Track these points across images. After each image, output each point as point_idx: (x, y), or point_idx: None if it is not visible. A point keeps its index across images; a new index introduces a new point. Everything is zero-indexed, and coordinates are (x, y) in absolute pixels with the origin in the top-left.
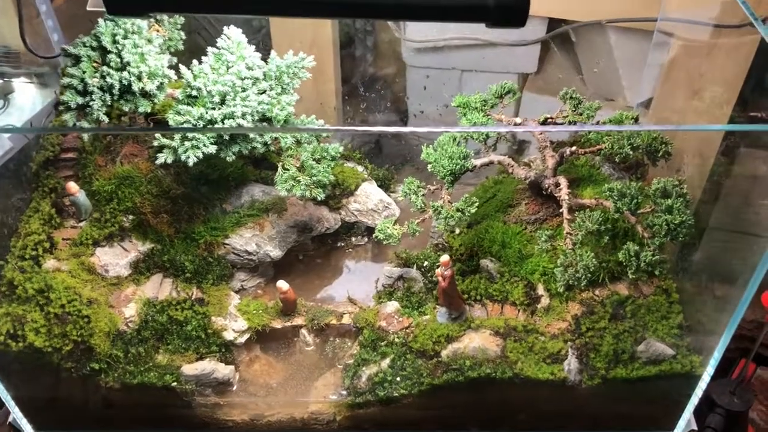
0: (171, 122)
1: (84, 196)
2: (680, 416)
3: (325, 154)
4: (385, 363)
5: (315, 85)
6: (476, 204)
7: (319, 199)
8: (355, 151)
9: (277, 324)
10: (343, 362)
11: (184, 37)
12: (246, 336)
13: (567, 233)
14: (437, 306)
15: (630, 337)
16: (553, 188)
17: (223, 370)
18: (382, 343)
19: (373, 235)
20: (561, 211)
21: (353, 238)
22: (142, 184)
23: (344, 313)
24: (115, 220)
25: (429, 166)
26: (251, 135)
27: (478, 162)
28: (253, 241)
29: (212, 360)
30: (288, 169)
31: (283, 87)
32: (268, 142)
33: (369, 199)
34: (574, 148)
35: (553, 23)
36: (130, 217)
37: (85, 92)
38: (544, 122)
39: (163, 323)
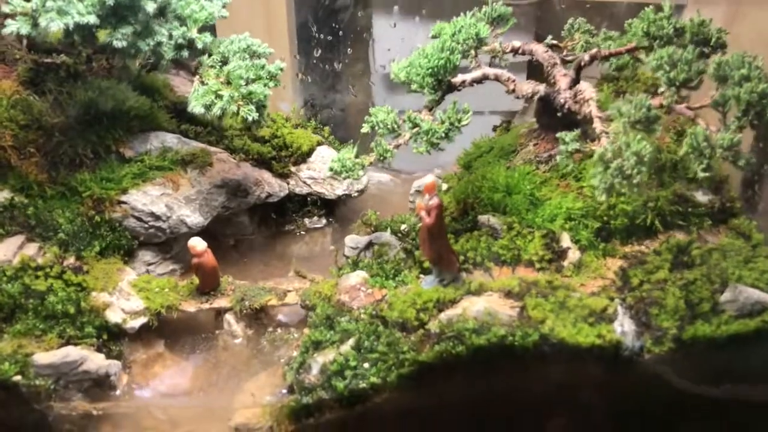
0: None
1: None
2: None
3: (261, 72)
4: (347, 345)
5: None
6: (469, 114)
7: (250, 119)
8: (310, 119)
9: (190, 306)
10: (287, 356)
11: None
12: (141, 320)
13: (601, 132)
14: (421, 276)
15: (706, 285)
16: (571, 103)
17: (98, 360)
18: (342, 319)
19: (328, 167)
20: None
21: (307, 220)
22: (4, 109)
23: (288, 291)
24: None
25: (401, 75)
26: (156, 27)
27: (468, 77)
28: (163, 201)
29: (85, 348)
30: (206, 83)
31: None
32: (181, 43)
33: (326, 165)
34: (594, 50)
35: None
36: None
37: None
38: (551, 48)
39: (14, 296)
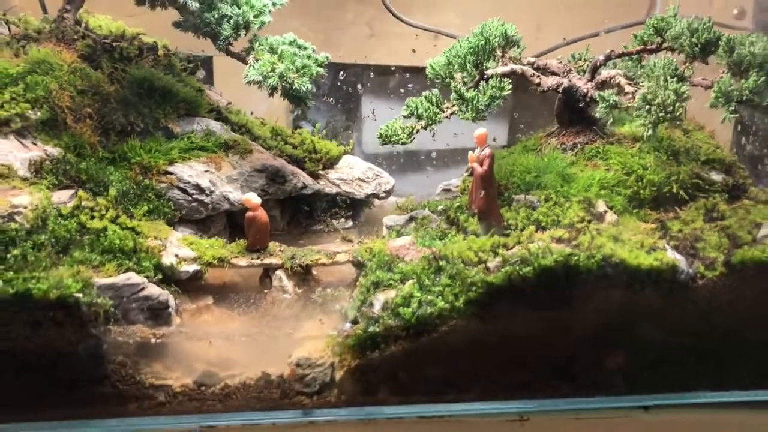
0: None
1: None
2: None
3: (308, 61)
4: (408, 284)
5: None
6: (510, 84)
7: (304, 89)
8: (332, 139)
9: (241, 261)
10: (341, 306)
11: None
12: (194, 266)
13: (634, 91)
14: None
15: (741, 228)
16: (593, 92)
17: (155, 290)
18: (400, 264)
19: (376, 135)
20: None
21: (335, 221)
22: (64, 74)
23: (337, 253)
24: (17, 106)
25: (438, 65)
26: (218, 4)
27: (499, 70)
28: (207, 177)
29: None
30: (260, 59)
31: None
32: (239, 22)
33: (353, 169)
34: (609, 51)
35: None
36: (39, 112)
37: None
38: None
39: (70, 231)
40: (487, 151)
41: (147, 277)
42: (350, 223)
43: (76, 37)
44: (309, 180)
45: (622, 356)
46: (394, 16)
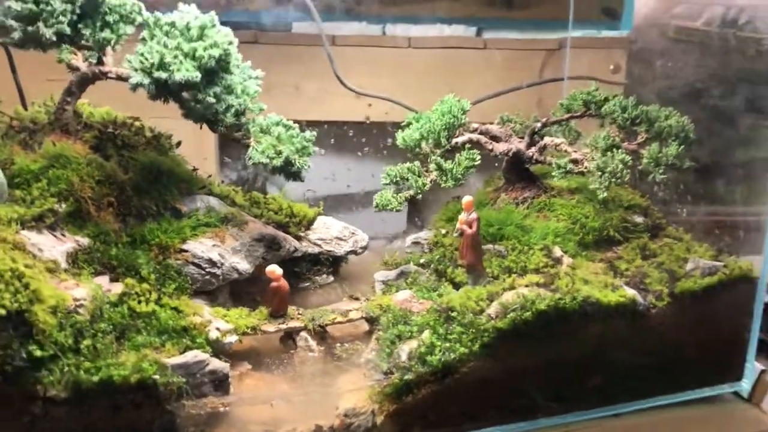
0: None
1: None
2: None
3: (305, 143)
4: (426, 334)
5: None
6: (478, 157)
7: (306, 168)
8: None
9: (270, 327)
10: (365, 357)
11: None
12: (233, 337)
13: (582, 158)
14: (454, 291)
15: (673, 262)
16: (537, 155)
17: (218, 363)
18: (413, 317)
19: (374, 204)
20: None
21: (318, 277)
22: (81, 166)
23: (349, 311)
24: (47, 201)
25: (412, 138)
26: (223, 95)
27: (459, 139)
28: (216, 250)
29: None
30: (261, 142)
31: None
32: (238, 110)
33: (330, 229)
34: (544, 119)
35: None
36: (64, 205)
37: None
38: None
39: (124, 316)
40: (474, 215)
41: (203, 348)
42: (331, 278)
43: (79, 128)
44: (297, 243)
45: (598, 377)
46: (343, 84)
